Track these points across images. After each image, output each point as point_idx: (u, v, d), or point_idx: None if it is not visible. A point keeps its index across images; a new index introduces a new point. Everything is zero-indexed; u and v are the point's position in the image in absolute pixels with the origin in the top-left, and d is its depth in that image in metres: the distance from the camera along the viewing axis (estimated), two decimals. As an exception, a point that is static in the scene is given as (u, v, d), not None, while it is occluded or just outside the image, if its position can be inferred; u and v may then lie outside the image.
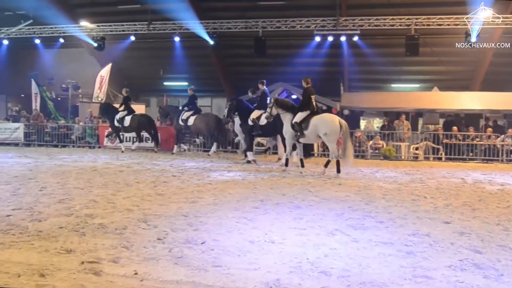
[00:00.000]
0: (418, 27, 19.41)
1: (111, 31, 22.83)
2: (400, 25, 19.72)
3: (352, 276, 3.93)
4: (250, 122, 14.25)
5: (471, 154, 18.15)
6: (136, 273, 3.88)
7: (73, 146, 20.30)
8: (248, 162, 14.24)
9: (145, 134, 18.47)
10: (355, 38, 20.61)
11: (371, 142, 18.62)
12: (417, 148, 18.42)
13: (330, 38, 20.81)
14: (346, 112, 20.52)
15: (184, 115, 16.83)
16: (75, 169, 11.44)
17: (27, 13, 23.70)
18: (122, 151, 17.81)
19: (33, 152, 17.03)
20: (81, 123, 21.35)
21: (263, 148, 17.95)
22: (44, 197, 7.31)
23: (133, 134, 18.63)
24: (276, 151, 15.91)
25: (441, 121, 21.70)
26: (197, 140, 19.70)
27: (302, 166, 12.20)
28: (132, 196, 7.55)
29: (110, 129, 19.06)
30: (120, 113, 17.96)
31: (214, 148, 16.94)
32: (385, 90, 25.81)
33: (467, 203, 7.75)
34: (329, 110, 19.67)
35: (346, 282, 3.80)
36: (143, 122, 18.06)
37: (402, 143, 18.48)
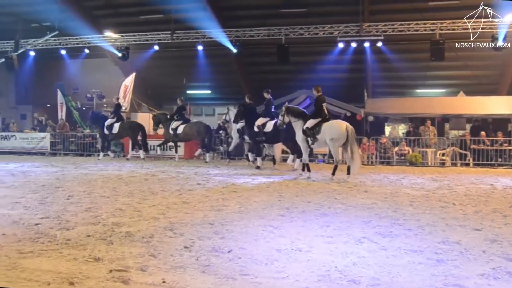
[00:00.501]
0: (443, 31, 19.20)
1: (135, 41, 23.19)
2: (425, 30, 19.56)
3: (382, 285, 3.86)
4: (255, 129, 14.74)
5: (499, 159, 17.83)
6: (164, 282, 3.86)
7: (98, 155, 20.55)
8: (258, 167, 14.66)
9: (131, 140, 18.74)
10: (379, 44, 20.54)
11: (396, 148, 18.44)
12: (443, 154, 18.15)
13: (354, 44, 20.77)
14: (370, 118, 20.38)
15: (174, 124, 17.44)
16: (100, 178, 11.56)
17: (53, 25, 24.17)
18: (128, 159, 18.29)
19: (59, 161, 17.32)
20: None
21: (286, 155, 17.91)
22: (71, 205, 7.38)
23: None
24: (270, 157, 16.53)
25: (468, 126, 21.37)
26: (221, 148, 19.77)
27: (309, 170, 12.54)
28: (157, 205, 7.57)
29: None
30: (108, 120, 18.52)
31: (207, 157, 17.40)
32: (410, 96, 25.49)
33: (498, 210, 7.56)
34: (353, 116, 19.58)
35: (377, 291, 3.73)
36: (132, 128, 18.43)
37: (429, 149, 18.27)
